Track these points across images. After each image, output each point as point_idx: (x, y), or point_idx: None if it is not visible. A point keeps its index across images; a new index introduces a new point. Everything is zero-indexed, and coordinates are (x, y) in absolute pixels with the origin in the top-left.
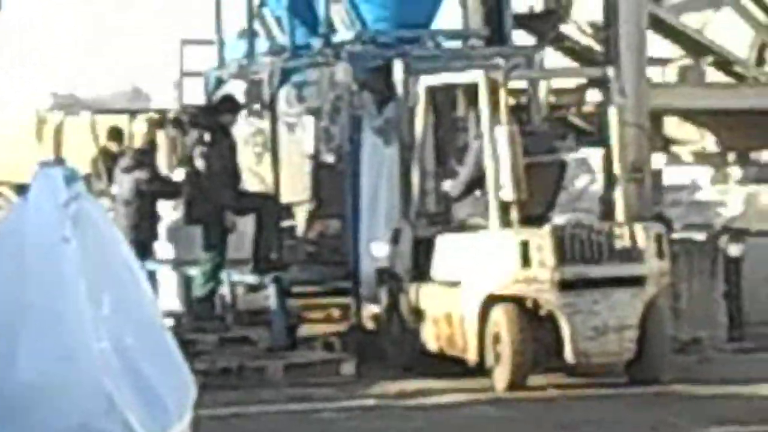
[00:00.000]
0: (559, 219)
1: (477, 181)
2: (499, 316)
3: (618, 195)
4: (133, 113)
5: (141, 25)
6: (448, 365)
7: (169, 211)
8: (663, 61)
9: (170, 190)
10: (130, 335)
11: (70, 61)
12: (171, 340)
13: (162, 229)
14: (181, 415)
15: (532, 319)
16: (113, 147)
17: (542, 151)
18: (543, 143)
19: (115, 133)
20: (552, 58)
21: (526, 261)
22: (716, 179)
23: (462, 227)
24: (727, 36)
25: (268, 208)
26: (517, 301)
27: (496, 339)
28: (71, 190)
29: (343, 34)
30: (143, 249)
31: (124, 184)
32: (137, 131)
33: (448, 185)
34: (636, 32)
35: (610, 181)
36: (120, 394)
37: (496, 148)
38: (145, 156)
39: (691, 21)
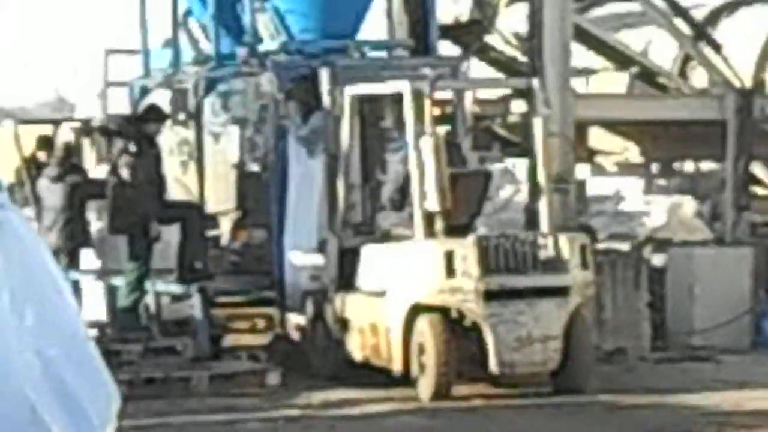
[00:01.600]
0: (484, 229)
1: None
2: (424, 326)
3: (542, 205)
4: (57, 123)
5: (66, 35)
6: (373, 375)
7: (93, 220)
8: (588, 72)
9: (103, 192)
10: (54, 346)
11: None
12: (95, 350)
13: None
14: (105, 426)
15: (457, 329)
16: (42, 156)
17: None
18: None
19: (45, 143)
20: (477, 68)
21: (450, 271)
22: (649, 190)
23: (387, 237)
24: (660, 48)
25: (193, 217)
26: (442, 311)
27: (421, 349)
28: None
29: (269, 43)
30: (76, 256)
31: (54, 193)
32: (63, 141)
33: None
34: (560, 43)
35: (534, 191)
36: (43, 405)
37: (421, 158)
38: (72, 162)
39: (633, 38)
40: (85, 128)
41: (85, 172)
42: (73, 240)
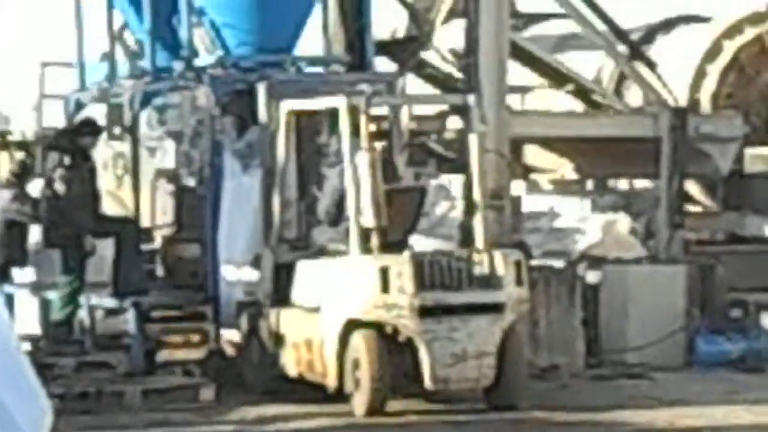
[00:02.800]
0: (427, 244)
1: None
2: (359, 341)
3: (477, 222)
4: None
5: (0, 46)
6: (307, 391)
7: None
8: (523, 89)
9: (35, 215)
10: None
11: None
12: (28, 364)
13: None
14: None
15: (392, 345)
16: None
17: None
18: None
19: None
20: (413, 84)
21: (385, 287)
22: (596, 207)
23: (322, 253)
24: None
25: (128, 231)
26: (377, 327)
27: (356, 364)
28: None
29: (205, 57)
30: (9, 270)
31: None
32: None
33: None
34: (496, 60)
35: (469, 207)
36: None
37: (356, 174)
38: (16, 178)
39: (584, 62)
40: (2, 142)
41: (23, 190)
42: (8, 256)
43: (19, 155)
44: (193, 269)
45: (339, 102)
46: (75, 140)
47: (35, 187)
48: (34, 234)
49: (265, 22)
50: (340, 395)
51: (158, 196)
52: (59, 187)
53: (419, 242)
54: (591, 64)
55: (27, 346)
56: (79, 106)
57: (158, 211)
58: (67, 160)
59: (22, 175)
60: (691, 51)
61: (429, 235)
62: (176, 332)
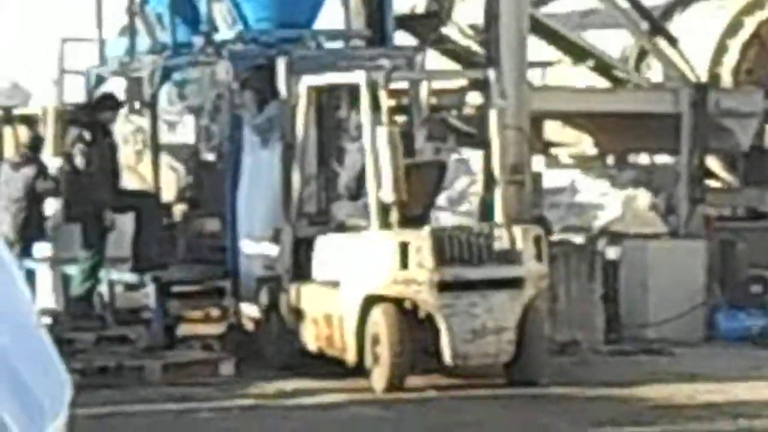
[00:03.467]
0: (451, 220)
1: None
2: (378, 316)
3: (497, 197)
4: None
5: (21, 22)
6: (327, 365)
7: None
8: (543, 64)
9: (58, 189)
10: (6, 335)
11: None
12: (47, 339)
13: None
14: (57, 414)
15: (411, 321)
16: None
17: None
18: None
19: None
20: (433, 59)
21: (405, 262)
22: (616, 182)
23: (342, 228)
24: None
25: (148, 206)
26: (396, 302)
27: (375, 340)
28: None
29: (225, 32)
30: (29, 245)
31: (12, 181)
32: (31, 131)
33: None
34: (517, 35)
35: (489, 183)
36: None
37: (376, 149)
38: (33, 153)
39: (612, 39)
40: (7, 117)
41: (42, 165)
42: (26, 231)
43: (23, 129)
44: (212, 244)
45: (359, 77)
46: (95, 115)
47: (50, 162)
48: (52, 208)
49: None
50: (360, 370)
51: (162, 171)
52: (79, 162)
53: (439, 217)
54: (615, 42)
55: (47, 320)
56: (99, 80)
57: (162, 187)
58: (87, 135)
59: (36, 149)
60: (711, 26)
61: (449, 210)
62: (196, 307)
